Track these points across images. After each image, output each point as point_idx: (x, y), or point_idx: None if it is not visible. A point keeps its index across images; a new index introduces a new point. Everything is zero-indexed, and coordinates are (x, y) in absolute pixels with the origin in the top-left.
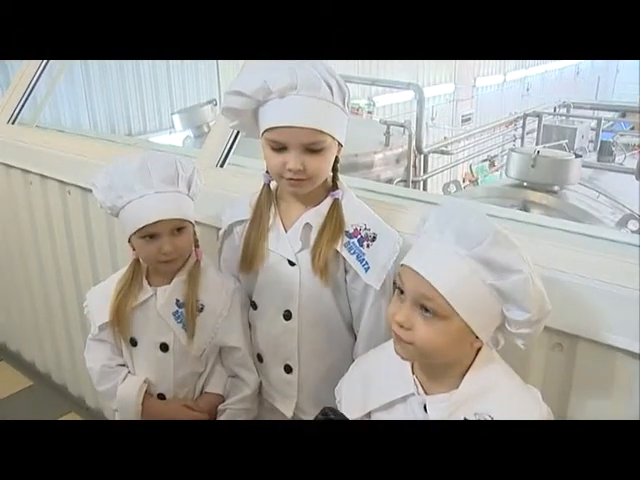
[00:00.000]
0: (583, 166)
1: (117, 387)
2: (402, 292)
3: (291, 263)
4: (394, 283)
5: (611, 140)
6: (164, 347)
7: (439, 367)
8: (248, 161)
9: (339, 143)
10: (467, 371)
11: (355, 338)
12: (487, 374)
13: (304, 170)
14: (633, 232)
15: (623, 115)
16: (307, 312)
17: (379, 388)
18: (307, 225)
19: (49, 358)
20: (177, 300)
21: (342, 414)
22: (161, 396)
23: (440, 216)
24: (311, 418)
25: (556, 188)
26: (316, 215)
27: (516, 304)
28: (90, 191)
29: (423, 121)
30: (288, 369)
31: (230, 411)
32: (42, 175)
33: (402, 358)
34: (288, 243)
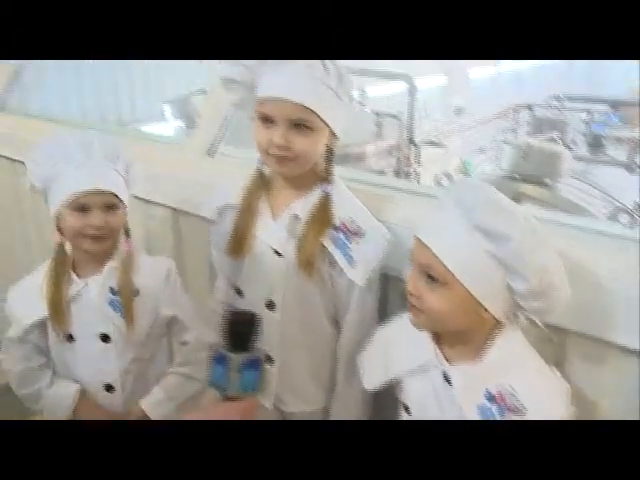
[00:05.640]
0: (574, 159)
1: (42, 390)
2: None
3: (278, 253)
4: None
5: (603, 133)
6: (105, 338)
7: (455, 337)
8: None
9: (332, 132)
10: (487, 344)
11: (339, 332)
12: (512, 349)
13: (289, 148)
14: (624, 225)
15: (616, 108)
16: (291, 304)
17: (400, 356)
18: (296, 216)
19: None
20: (111, 288)
21: (247, 311)
22: (109, 386)
23: (447, 191)
24: (292, 410)
25: (548, 181)
26: (305, 205)
27: (514, 272)
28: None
29: (415, 113)
30: (269, 360)
31: (173, 376)
32: None
33: (415, 326)
34: (276, 233)
